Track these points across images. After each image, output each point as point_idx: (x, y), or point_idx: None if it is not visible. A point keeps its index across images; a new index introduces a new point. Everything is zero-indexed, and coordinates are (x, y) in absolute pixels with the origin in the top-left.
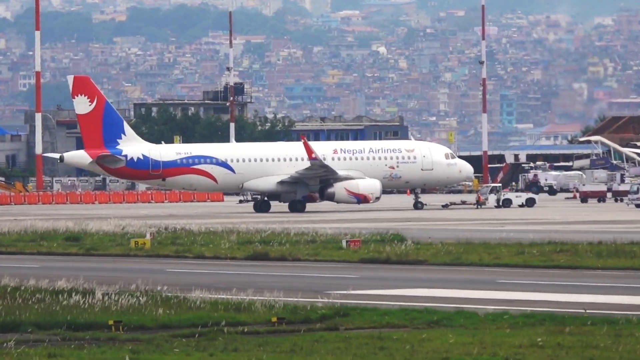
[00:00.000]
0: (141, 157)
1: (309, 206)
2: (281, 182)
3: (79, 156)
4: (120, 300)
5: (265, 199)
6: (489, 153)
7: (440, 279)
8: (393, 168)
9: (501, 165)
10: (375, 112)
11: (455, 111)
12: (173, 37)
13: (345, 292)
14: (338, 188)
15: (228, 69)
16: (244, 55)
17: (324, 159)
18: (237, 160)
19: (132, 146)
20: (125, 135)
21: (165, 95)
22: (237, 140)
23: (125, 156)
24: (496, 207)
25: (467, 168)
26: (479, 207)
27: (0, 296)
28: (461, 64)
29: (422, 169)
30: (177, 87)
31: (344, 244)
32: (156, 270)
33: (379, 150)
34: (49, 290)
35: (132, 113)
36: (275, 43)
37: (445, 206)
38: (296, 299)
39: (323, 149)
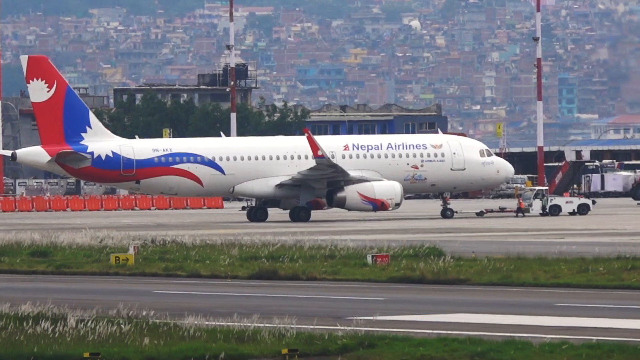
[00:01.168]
0: (110, 155)
1: (315, 214)
2: (280, 185)
3: (35, 153)
4: (97, 328)
5: (262, 205)
6: (546, 149)
7: (486, 302)
8: (416, 168)
9: (560, 163)
10: (407, 99)
11: (505, 98)
12: (161, 8)
13: (371, 318)
14: (350, 192)
15: (228, 47)
16: (248, 30)
17: (333, 156)
18: (227, 159)
19: (100, 141)
20: (91, 128)
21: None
22: (240, 133)
23: (91, 154)
24: (541, 214)
25: (507, 168)
26: (520, 215)
27: None
28: (511, 41)
29: (451, 169)
30: (166, 70)
31: (369, 259)
32: (141, 292)
33: (399, 146)
34: (11, 316)
35: (111, 101)
36: (286, 16)
37: (479, 214)
38: (311, 327)
39: (331, 144)
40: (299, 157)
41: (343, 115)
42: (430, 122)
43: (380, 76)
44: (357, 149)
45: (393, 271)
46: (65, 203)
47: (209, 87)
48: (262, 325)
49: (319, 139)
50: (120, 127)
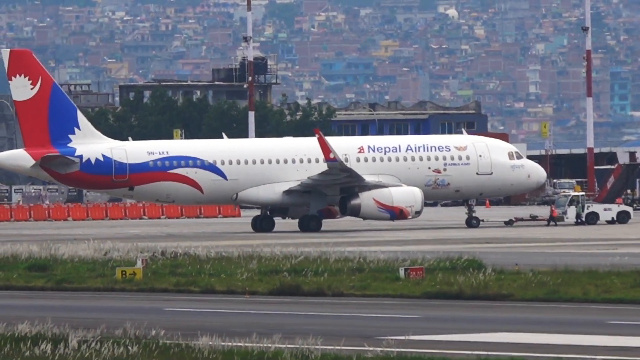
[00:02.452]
0: (101, 159)
1: (327, 223)
2: (289, 192)
3: (17, 157)
4: (102, 349)
5: (268, 214)
6: (596, 151)
7: (531, 319)
8: (439, 172)
9: (612, 166)
10: (442, 96)
11: (551, 95)
12: None
13: (403, 337)
14: (365, 199)
15: (246, 39)
16: (267, 20)
17: (347, 160)
18: (230, 163)
19: (89, 144)
20: (79, 129)
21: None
22: (259, 134)
23: (80, 157)
24: (577, 223)
25: (539, 172)
26: (552, 223)
27: None
28: (558, 31)
29: (477, 173)
30: (177, 64)
31: (401, 273)
32: (150, 310)
33: (420, 148)
34: (7, 336)
35: (117, 99)
36: (309, 4)
37: (508, 223)
38: (338, 347)
39: (345, 146)
40: (309, 161)
41: (372, 114)
42: (469, 121)
43: (413, 70)
44: (373, 151)
45: (428, 286)
46: (66, 212)
47: (225, 83)
48: (284, 346)
49: (331, 140)
50: (127, 127)
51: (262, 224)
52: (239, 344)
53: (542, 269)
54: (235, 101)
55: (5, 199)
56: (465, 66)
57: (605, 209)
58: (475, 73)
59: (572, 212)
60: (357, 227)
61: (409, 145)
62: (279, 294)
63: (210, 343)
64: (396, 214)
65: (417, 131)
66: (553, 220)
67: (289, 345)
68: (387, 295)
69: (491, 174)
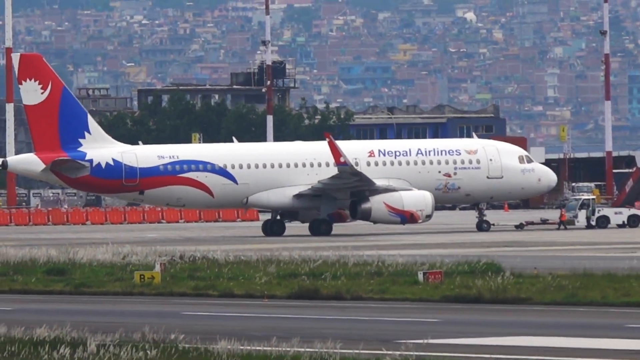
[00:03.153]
0: (111, 163)
1: (336, 228)
2: (299, 196)
3: (28, 161)
4: (121, 353)
5: (278, 217)
6: (615, 154)
7: (550, 323)
8: (449, 176)
9: (630, 170)
10: (461, 100)
11: (569, 98)
12: (190, 0)
13: (422, 341)
14: (375, 203)
15: (264, 43)
16: (285, 24)
17: (357, 164)
18: (240, 167)
19: (99, 148)
20: (89, 133)
21: (180, 78)
22: (277, 138)
23: (90, 161)
24: (587, 227)
25: (549, 176)
26: (562, 227)
27: None
28: (576, 35)
29: (488, 177)
30: (195, 68)
31: (420, 276)
32: (169, 314)
33: (430, 152)
34: (26, 341)
35: (135, 103)
36: (327, 8)
37: (519, 227)
38: (357, 351)
39: (355, 150)
40: (320, 165)
41: (391, 118)
42: (487, 124)
43: (431, 74)
44: (384, 155)
45: (447, 289)
46: (85, 216)
47: (243, 87)
48: (303, 349)
49: (342, 145)
50: (145, 131)
51: (273, 228)
52: (257, 348)
53: (561, 272)
54: (254, 105)
55: (24, 203)
56: (484, 70)
57: (615, 213)
58: (493, 77)
59: (582, 215)
60: (375, 230)
61: (419, 149)
62: (297, 297)
63: (229, 347)
64: (407, 217)
65: (435, 135)
66: (563, 224)
67: (308, 349)
68: (406, 299)
69: (502, 177)
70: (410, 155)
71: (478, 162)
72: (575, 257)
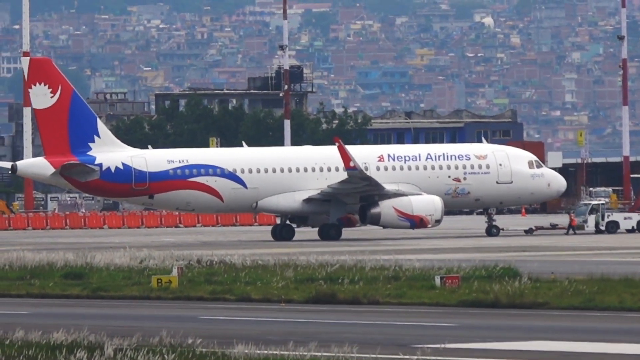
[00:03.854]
0: (120, 167)
1: (346, 232)
2: (309, 200)
3: (38, 165)
4: (138, 358)
5: (287, 222)
6: (632, 159)
7: (567, 327)
8: (459, 181)
9: None
10: (478, 104)
11: (587, 103)
12: (207, 5)
13: (439, 346)
14: (385, 208)
15: (281, 47)
16: (303, 29)
17: (367, 168)
18: (250, 171)
19: (109, 152)
20: (99, 137)
21: (197, 83)
22: (295, 143)
23: (100, 165)
24: (596, 232)
25: (559, 181)
26: (571, 232)
27: None
28: (594, 40)
29: (497, 182)
30: (213, 73)
31: (437, 281)
32: (186, 318)
33: (440, 156)
34: (43, 345)
35: (153, 107)
36: (345, 13)
37: (528, 231)
38: (374, 356)
39: (365, 155)
40: (329, 169)
41: (408, 123)
42: (505, 129)
43: (449, 79)
44: (393, 159)
45: (464, 294)
46: (102, 220)
47: (260, 92)
48: (320, 354)
49: (351, 149)
50: (162, 135)
51: (282, 233)
52: (274, 352)
53: (578, 277)
54: (271, 110)
55: (41, 207)
56: (501, 75)
57: (625, 218)
58: (511, 81)
59: (592, 220)
60: (403, 235)
61: (428, 154)
62: (314, 302)
63: (246, 351)
64: (416, 222)
65: (452, 140)
66: (572, 229)
67: (325, 354)
68: (423, 303)
69: (511, 182)
70: (419, 160)
71: (488, 167)
72: (593, 262)
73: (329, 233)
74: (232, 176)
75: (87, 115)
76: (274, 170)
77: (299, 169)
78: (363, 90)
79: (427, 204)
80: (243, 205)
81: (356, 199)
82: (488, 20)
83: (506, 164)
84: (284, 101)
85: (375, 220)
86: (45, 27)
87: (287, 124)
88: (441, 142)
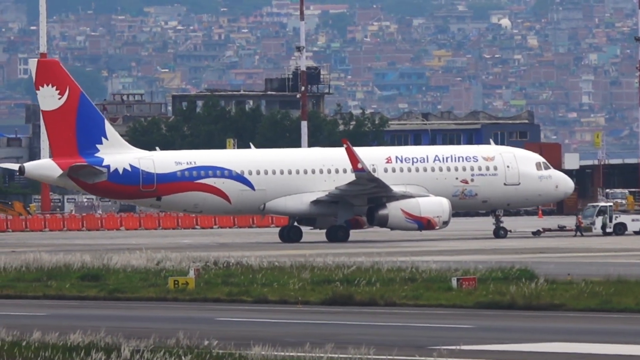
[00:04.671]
0: (128, 169)
1: (354, 234)
2: (316, 202)
3: (45, 167)
4: (155, 359)
5: (295, 224)
6: None
7: (584, 329)
8: (466, 182)
9: None
10: (495, 106)
11: (603, 105)
12: (224, 6)
13: (455, 347)
14: (393, 209)
15: (298, 48)
16: (320, 30)
17: (374, 170)
18: (257, 173)
19: (117, 154)
20: (107, 139)
21: (214, 84)
22: (312, 144)
23: (107, 167)
24: (604, 234)
25: (566, 182)
26: (578, 234)
27: None
28: (611, 41)
29: (505, 184)
30: (230, 74)
31: (454, 283)
32: (203, 319)
33: (447, 158)
34: (60, 346)
35: (169, 108)
36: (362, 14)
37: (536, 233)
38: (390, 357)
39: (373, 156)
40: (337, 171)
41: (425, 124)
42: (522, 130)
43: (466, 80)
44: (401, 161)
45: (480, 296)
46: (119, 221)
47: (278, 93)
48: (337, 355)
49: (359, 151)
50: (179, 137)
51: (290, 235)
52: (291, 354)
53: (595, 279)
54: (288, 111)
55: (58, 209)
56: (518, 76)
57: (633, 220)
58: (528, 83)
59: (599, 222)
60: (421, 237)
61: (436, 156)
62: (331, 303)
63: (263, 353)
64: (424, 224)
65: (469, 141)
66: (579, 230)
67: (342, 355)
68: (440, 305)
69: (519, 184)
70: (427, 161)
71: (495, 168)
72: (610, 263)
73: (337, 235)
74: (239, 178)
75: (95, 116)
76: (282, 172)
77: (306, 170)
78: (380, 92)
79: (435, 205)
80: (251, 207)
81: (364, 201)
82: (505, 22)
83: (514, 165)
84: (301, 102)
85: (383, 222)
86: (63, 28)
87: (304, 125)
88: (458, 143)
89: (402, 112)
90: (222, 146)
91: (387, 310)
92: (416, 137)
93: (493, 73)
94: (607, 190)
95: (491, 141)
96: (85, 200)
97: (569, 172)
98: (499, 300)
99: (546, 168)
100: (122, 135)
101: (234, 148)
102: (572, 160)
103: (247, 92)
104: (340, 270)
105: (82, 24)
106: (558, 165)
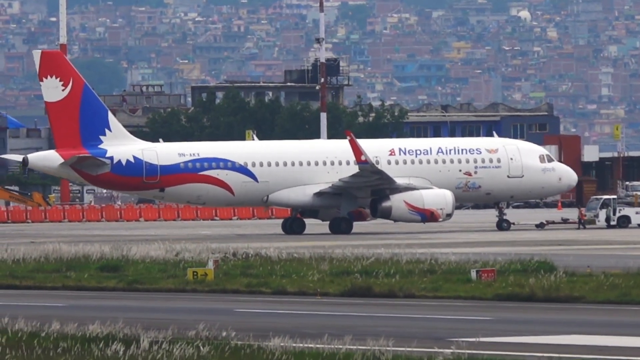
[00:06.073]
0: (131, 160)
1: (357, 226)
2: (320, 194)
3: (47, 158)
4: (174, 350)
5: (298, 216)
6: None
7: (603, 321)
8: (470, 175)
9: None
10: (515, 98)
11: (623, 97)
12: None
13: (474, 339)
14: (396, 201)
15: (318, 40)
16: (340, 22)
17: (378, 162)
18: (260, 164)
19: (120, 145)
20: (110, 130)
21: (233, 76)
22: (331, 135)
23: (111, 158)
24: (608, 226)
25: (570, 175)
26: (582, 227)
27: (13, 345)
28: (630, 33)
29: (508, 176)
30: (249, 66)
31: (473, 274)
32: (222, 311)
33: (451, 150)
34: (78, 337)
35: (189, 100)
36: (381, 6)
37: (539, 226)
38: (409, 349)
39: (376, 148)
40: (340, 163)
41: (444, 116)
42: (541, 123)
43: (485, 72)
44: (404, 153)
45: (499, 288)
46: (138, 212)
47: (297, 85)
48: (355, 347)
49: (363, 143)
50: (199, 128)
51: (293, 227)
52: (310, 345)
53: (614, 271)
54: (308, 102)
55: (77, 200)
56: (538, 68)
57: (637, 212)
58: (547, 75)
59: (603, 215)
60: (437, 229)
61: (440, 148)
62: (350, 295)
63: (282, 344)
64: (427, 216)
65: (489, 133)
66: (582, 223)
67: (360, 347)
68: (459, 297)
69: (522, 177)
70: (430, 154)
71: (499, 161)
72: (629, 256)
73: (340, 227)
74: (243, 170)
75: (99, 108)
76: (285, 164)
77: (310, 162)
78: (399, 84)
79: (438, 197)
80: (254, 199)
81: (367, 193)
82: (525, 14)
83: (517, 158)
84: (320, 94)
85: (386, 214)
86: (82, 19)
87: (323, 117)
88: (477, 135)
89: (421, 104)
90: (242, 137)
91: (406, 302)
92: (435, 129)
93: (512, 65)
94: (627, 182)
95: (494, 133)
96: (104, 191)
97: (588, 164)
98: (518, 292)
99: (549, 160)
100: (141, 127)
101: (253, 139)
102: (591, 153)
103: (266, 84)
104: (359, 261)
105: (102, 15)
106: (578, 158)
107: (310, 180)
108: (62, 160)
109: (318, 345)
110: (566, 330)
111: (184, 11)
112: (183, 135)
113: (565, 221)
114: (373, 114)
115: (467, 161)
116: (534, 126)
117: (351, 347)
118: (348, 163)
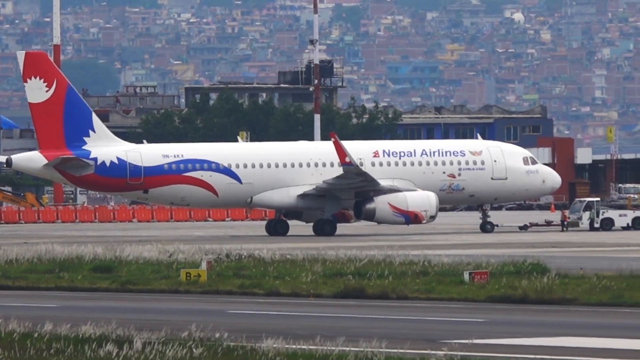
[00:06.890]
0: (115, 161)
1: (341, 228)
2: (303, 196)
3: (32, 159)
4: (166, 351)
5: (282, 217)
6: None
7: (596, 324)
8: (453, 177)
9: None
10: (508, 100)
11: (616, 99)
12: None
13: (467, 341)
14: (380, 203)
15: (312, 42)
16: (334, 23)
17: (362, 164)
18: (244, 166)
19: (104, 146)
20: (94, 131)
21: (227, 77)
22: (325, 137)
23: (95, 159)
24: (591, 229)
25: (553, 177)
26: (566, 229)
27: (5, 346)
28: (624, 36)
29: (492, 178)
30: (243, 67)
31: (466, 276)
32: (214, 312)
33: (435, 152)
34: (71, 337)
35: (182, 101)
36: (375, 7)
37: (523, 228)
38: (402, 351)
39: (360, 150)
40: (324, 165)
41: (438, 118)
42: (534, 125)
43: (479, 74)
44: (388, 155)
45: (492, 289)
46: (131, 213)
47: (291, 86)
48: (348, 349)
49: (347, 145)
50: (192, 129)
51: (277, 228)
52: (303, 347)
53: (607, 273)
54: (301, 104)
55: (70, 200)
56: (531, 70)
57: (620, 215)
58: (541, 77)
59: (586, 217)
60: (432, 231)
61: (423, 150)
62: (343, 296)
63: (275, 345)
64: (411, 218)
65: (483, 134)
66: (565, 225)
67: (353, 348)
68: (452, 298)
69: (506, 179)
70: (414, 155)
71: (482, 163)
72: (623, 258)
73: (324, 228)
74: (227, 171)
75: (83, 109)
76: (269, 166)
77: (294, 164)
78: (393, 85)
79: (422, 199)
80: (238, 200)
81: (351, 195)
82: (518, 16)
83: (501, 160)
84: (314, 95)
85: (370, 216)
86: (76, 20)
87: (317, 118)
88: (471, 137)
89: (415, 105)
90: (235, 139)
91: (398, 304)
92: (429, 131)
93: (506, 67)
94: (620, 185)
95: (478, 136)
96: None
97: (582, 167)
98: (510, 294)
99: (533, 163)
100: (135, 128)
101: (246, 141)
102: (584, 155)
103: (260, 85)
104: (352, 263)
105: (96, 15)
106: (571, 160)
107: (294, 182)
108: (46, 161)
109: (311, 347)
110: (559, 332)
111: (177, 12)
112: (176, 136)
113: (549, 223)
114: (366, 116)
115: (451, 163)
116: (527, 128)
117: (344, 348)
118: (332, 165)
